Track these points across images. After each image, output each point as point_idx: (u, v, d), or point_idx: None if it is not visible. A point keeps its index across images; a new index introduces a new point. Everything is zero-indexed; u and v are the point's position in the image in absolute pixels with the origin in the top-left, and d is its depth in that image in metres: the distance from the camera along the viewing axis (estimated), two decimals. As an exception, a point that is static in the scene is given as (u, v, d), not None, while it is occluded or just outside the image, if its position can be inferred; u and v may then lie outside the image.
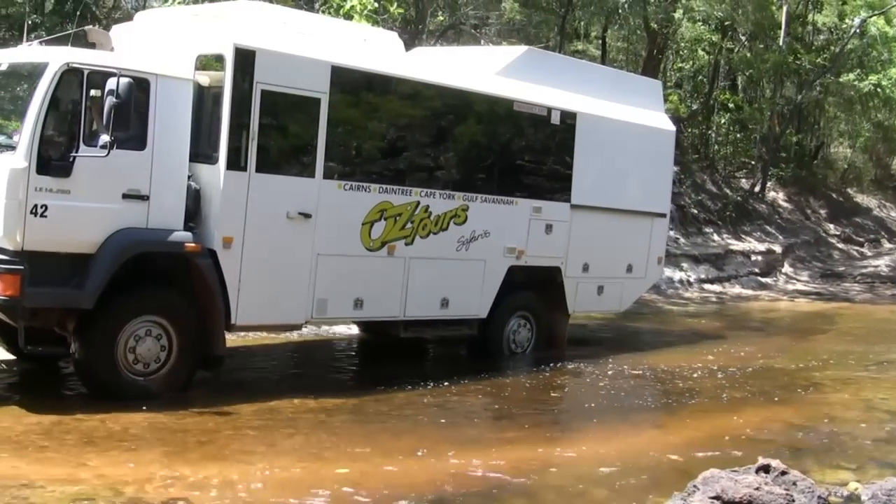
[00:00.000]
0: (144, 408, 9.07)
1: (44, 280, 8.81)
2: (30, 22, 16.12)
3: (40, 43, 10.35)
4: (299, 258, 10.37)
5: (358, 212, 10.85)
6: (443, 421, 9.92)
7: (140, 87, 9.21)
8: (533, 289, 13.00)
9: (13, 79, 9.71)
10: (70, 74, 8.93)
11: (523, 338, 12.98)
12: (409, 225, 11.26)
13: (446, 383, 11.26)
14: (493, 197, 12.13)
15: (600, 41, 32.14)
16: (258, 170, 9.91)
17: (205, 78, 9.93)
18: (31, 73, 9.11)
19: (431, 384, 11.16)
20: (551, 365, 12.76)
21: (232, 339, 12.00)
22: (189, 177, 9.77)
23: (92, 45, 10.71)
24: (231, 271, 9.82)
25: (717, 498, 6.03)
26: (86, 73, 8.96)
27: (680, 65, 35.38)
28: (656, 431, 10.33)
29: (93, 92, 9.01)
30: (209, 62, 9.93)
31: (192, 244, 9.52)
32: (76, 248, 9.00)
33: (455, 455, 8.51)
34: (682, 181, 29.45)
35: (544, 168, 13.03)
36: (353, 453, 8.39)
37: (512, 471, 8.16)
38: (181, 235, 9.50)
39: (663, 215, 14.69)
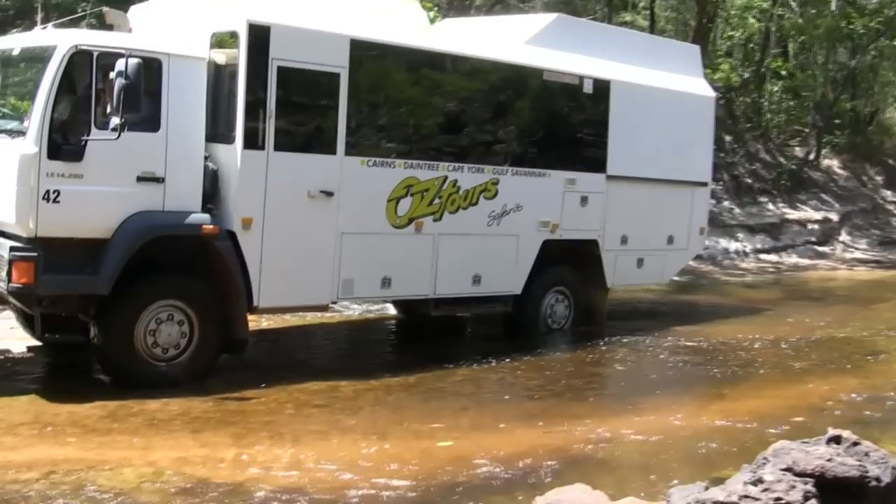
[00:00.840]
0: (205, 389, 9.06)
1: (58, 267, 8.65)
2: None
3: (54, 25, 10.18)
4: (322, 238, 10.12)
5: (383, 188, 10.57)
6: (506, 397, 9.90)
7: (151, 67, 9.02)
8: (569, 263, 12.65)
9: (25, 63, 9.56)
10: (79, 56, 8.74)
11: (560, 313, 12.62)
12: (436, 200, 10.96)
13: (503, 359, 11.13)
14: (524, 170, 11.78)
15: (648, 11, 31.52)
16: (276, 148, 9.66)
17: (221, 56, 9.71)
18: (40, 57, 8.93)
19: (490, 361, 11.04)
20: (606, 339, 12.62)
21: (285, 320, 12.33)
22: (206, 158, 9.56)
23: (110, 27, 10.57)
24: (251, 253, 9.60)
25: (788, 469, 5.74)
26: (95, 54, 8.76)
27: (730, 33, 34.48)
28: (721, 403, 10.04)
29: (103, 74, 8.80)
30: (224, 39, 9.69)
31: (210, 226, 9.30)
32: (90, 233, 8.84)
33: (528, 428, 8.61)
34: (736, 151, 28.99)
35: (578, 139, 12.64)
36: (426, 430, 8.41)
37: (582, 443, 8.19)
38: (198, 218, 9.28)
39: (704, 184, 14.22)
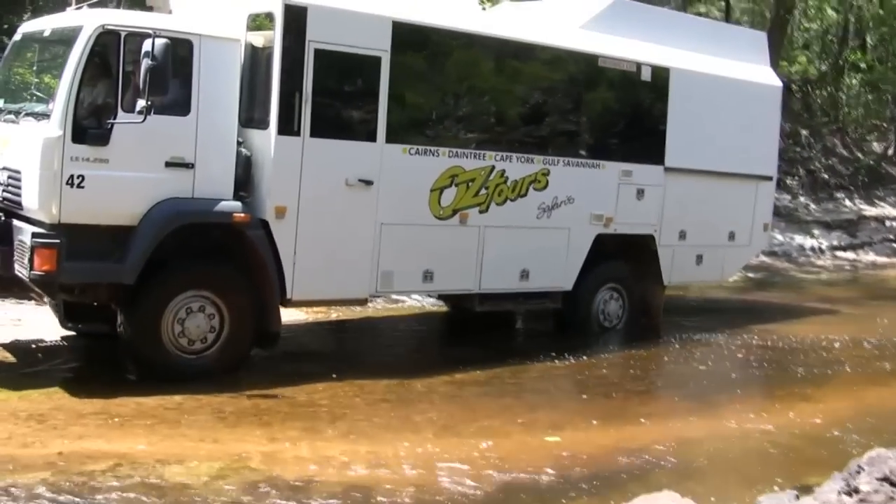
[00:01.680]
0: (272, 382, 8.92)
1: (81, 254, 8.34)
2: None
3: (88, 6, 9.89)
4: (361, 228, 9.70)
5: (426, 178, 10.12)
6: (584, 397, 9.68)
7: (182, 48, 8.69)
8: (624, 258, 12.10)
9: (54, 45, 9.27)
10: (106, 37, 8.43)
11: (613, 311, 12.07)
12: (483, 191, 10.48)
13: (576, 357, 10.85)
14: (576, 160, 11.25)
15: (723, 2, 30.73)
16: (313, 134, 9.26)
17: (258, 38, 9.35)
18: (69, 38, 8.62)
19: (565, 357, 10.74)
20: (679, 336, 12.30)
21: (352, 311, 12.16)
22: (240, 143, 9.21)
23: (150, 9, 10.30)
24: (285, 243, 9.22)
25: (885, 479, 5.40)
26: (122, 35, 8.45)
27: (808, 25, 33.59)
28: (805, 404, 9.61)
29: (131, 55, 8.47)
30: (260, 21, 9.32)
31: (241, 214, 8.93)
32: (116, 220, 8.51)
33: (608, 428, 8.46)
34: (812, 145, 28.28)
35: (634, 129, 12.06)
36: (500, 426, 8.25)
37: (664, 444, 7.93)
38: (229, 205, 8.91)
39: (769, 178, 13.52)
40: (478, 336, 11.92)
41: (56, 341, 10.03)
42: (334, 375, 9.23)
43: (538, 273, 11.04)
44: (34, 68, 9.61)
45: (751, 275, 19.42)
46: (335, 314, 12.22)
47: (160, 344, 8.74)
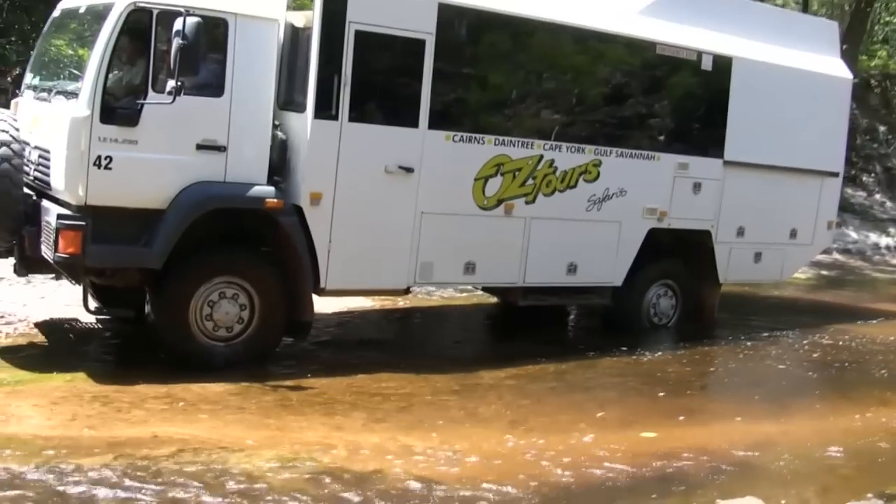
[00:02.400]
0: (335, 369, 8.94)
1: (108, 237, 8.12)
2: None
3: None
4: (400, 217, 9.37)
5: (470, 166, 9.73)
6: (661, 394, 9.35)
7: (216, 27, 8.43)
8: (677, 254, 11.62)
9: (90, 22, 9.01)
10: (137, 14, 8.16)
11: (665, 308, 11.58)
12: (530, 181, 10.07)
13: (643, 352, 10.63)
14: (630, 151, 10.76)
15: (801, -5, 29.96)
16: (351, 119, 8.93)
17: (298, 18, 9.06)
18: (101, 16, 8.38)
19: (639, 353, 10.60)
20: (749, 334, 12.02)
21: (419, 298, 12.12)
22: (277, 126, 8.92)
23: None
24: (320, 230, 8.92)
25: None
26: (155, 13, 8.18)
27: (888, 18, 32.56)
28: (886, 409, 9.25)
29: (163, 34, 8.20)
30: (301, 0, 9.01)
31: (274, 200, 8.64)
32: (144, 203, 8.26)
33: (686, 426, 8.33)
34: (889, 142, 27.38)
35: (692, 120, 11.55)
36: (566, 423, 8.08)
37: (742, 447, 7.69)
38: (262, 190, 8.63)
39: (835, 174, 12.85)
40: (537, 329, 11.61)
41: (116, 323, 9.90)
42: (399, 368, 9.13)
43: (586, 267, 10.61)
44: (68, 46, 9.39)
45: (823, 272, 19.00)
46: (402, 302, 12.06)
47: (188, 330, 8.50)
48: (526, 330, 11.64)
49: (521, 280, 10.26)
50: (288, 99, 8.99)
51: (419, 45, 9.25)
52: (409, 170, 9.28)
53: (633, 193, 10.80)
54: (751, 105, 11.61)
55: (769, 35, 11.89)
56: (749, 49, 11.62)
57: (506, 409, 8.37)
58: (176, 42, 7.93)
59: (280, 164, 8.88)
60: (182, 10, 7.97)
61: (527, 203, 10.08)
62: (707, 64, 11.27)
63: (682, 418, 8.55)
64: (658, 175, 11.00)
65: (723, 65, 11.39)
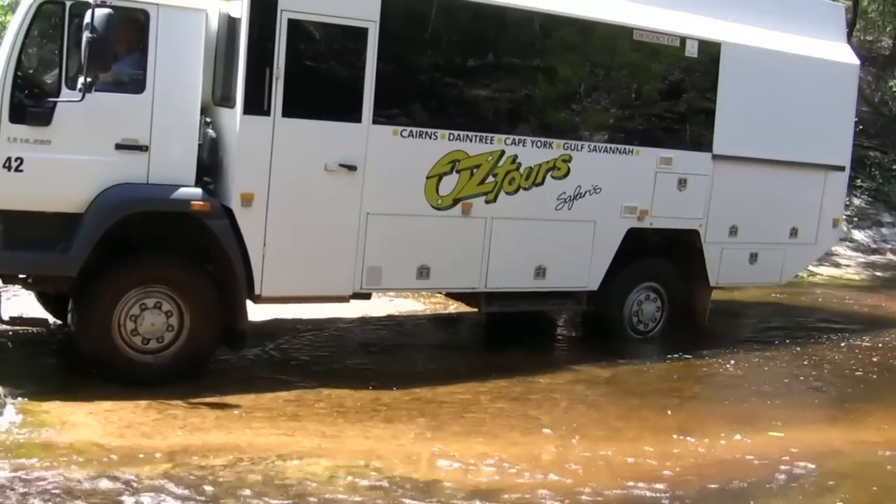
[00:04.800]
0: (390, 375, 8.94)
1: (21, 243, 7.71)
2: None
3: None
4: (342, 218, 8.79)
5: (421, 163, 9.12)
6: (727, 403, 9.26)
7: (135, 19, 7.99)
8: (662, 255, 10.91)
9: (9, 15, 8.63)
10: (49, 6, 7.77)
11: (649, 314, 10.86)
12: (490, 179, 9.43)
13: (694, 356, 10.49)
14: (605, 145, 10.05)
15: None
16: (285, 114, 8.38)
17: (235, 7, 8.50)
18: (11, 8, 7.96)
19: (710, 356, 10.54)
20: (809, 336, 11.88)
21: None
22: (209, 124, 8.42)
23: None
24: (252, 234, 8.38)
25: None
26: (68, 4, 7.77)
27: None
28: None
29: (77, 27, 7.73)
30: (238, -12, 8.48)
31: (200, 202, 8.13)
32: (60, 206, 7.82)
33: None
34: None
35: (676, 112, 10.71)
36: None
37: (803, 453, 7.58)
38: (187, 192, 8.13)
39: (841, 168, 11.94)
40: (590, 336, 11.24)
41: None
42: (457, 374, 9.14)
43: (557, 270, 9.93)
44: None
45: (878, 273, 18.42)
46: (452, 306, 11.85)
47: (111, 342, 8.01)
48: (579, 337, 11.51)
49: (483, 285, 9.62)
50: (223, 95, 8.51)
51: (361, 33, 8.66)
52: (351, 168, 8.70)
53: (609, 191, 10.09)
54: (744, 94, 10.83)
55: (766, 18, 11.08)
56: (741, 34, 10.81)
57: (557, 417, 8.24)
58: (85, 35, 7.46)
59: (212, 164, 8.40)
60: (92, 0, 7.49)
61: (487, 202, 9.45)
62: (692, 50, 10.51)
63: (777, 423, 8.41)
64: (637, 171, 10.28)
65: (710, 51, 10.61)
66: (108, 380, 7.96)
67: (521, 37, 9.75)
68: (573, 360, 10.04)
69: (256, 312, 9.32)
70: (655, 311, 10.89)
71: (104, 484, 5.98)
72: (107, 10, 7.50)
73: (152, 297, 8.13)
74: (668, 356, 10.34)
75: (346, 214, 8.79)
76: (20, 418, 7.14)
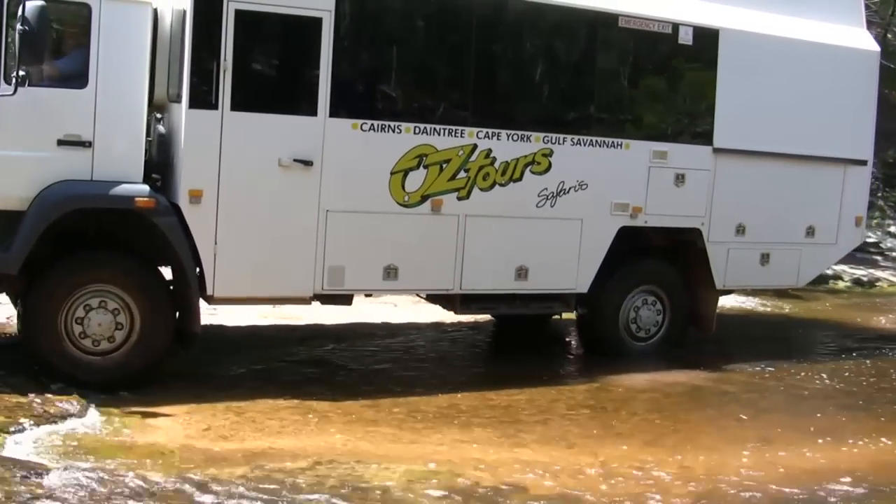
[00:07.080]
0: (465, 381, 9.14)
1: None
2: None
3: None
4: (299, 216, 8.49)
5: (384, 158, 8.76)
6: (819, 415, 8.88)
7: (76, 12, 7.88)
8: (662, 256, 10.34)
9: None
10: None
11: (648, 319, 10.26)
12: (461, 174, 9.02)
13: (776, 365, 10.42)
14: (589, 139, 9.55)
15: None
16: (234, 108, 8.13)
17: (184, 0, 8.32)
18: None
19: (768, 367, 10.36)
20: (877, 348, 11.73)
21: None
22: (159, 120, 8.23)
23: None
24: (202, 232, 8.14)
25: None
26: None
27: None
28: None
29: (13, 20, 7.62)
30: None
31: (145, 198, 7.91)
32: (1, 204, 7.67)
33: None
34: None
35: (669, 102, 10.20)
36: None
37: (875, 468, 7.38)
38: (130, 189, 7.92)
39: (863, 163, 11.15)
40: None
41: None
42: (531, 380, 9.12)
43: (540, 272, 9.45)
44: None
45: None
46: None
47: (58, 343, 7.83)
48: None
49: (457, 286, 9.19)
50: (176, 91, 8.31)
51: (315, 23, 8.38)
52: (307, 163, 8.40)
53: (597, 187, 9.59)
54: (748, 84, 10.23)
55: (773, 2, 10.47)
56: (743, 19, 10.23)
57: (641, 423, 8.19)
58: (18, 28, 7.34)
59: (162, 162, 8.22)
60: None
61: (459, 199, 9.04)
62: (686, 37, 9.95)
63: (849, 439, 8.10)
64: (628, 165, 9.76)
65: (707, 38, 10.04)
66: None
67: (493, 23, 9.29)
68: (649, 367, 9.87)
69: (333, 317, 9.95)
70: (656, 316, 10.29)
71: (183, 486, 5.96)
72: (39, 3, 7.38)
73: (97, 296, 7.93)
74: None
75: (304, 212, 8.49)
76: (102, 420, 7.22)
